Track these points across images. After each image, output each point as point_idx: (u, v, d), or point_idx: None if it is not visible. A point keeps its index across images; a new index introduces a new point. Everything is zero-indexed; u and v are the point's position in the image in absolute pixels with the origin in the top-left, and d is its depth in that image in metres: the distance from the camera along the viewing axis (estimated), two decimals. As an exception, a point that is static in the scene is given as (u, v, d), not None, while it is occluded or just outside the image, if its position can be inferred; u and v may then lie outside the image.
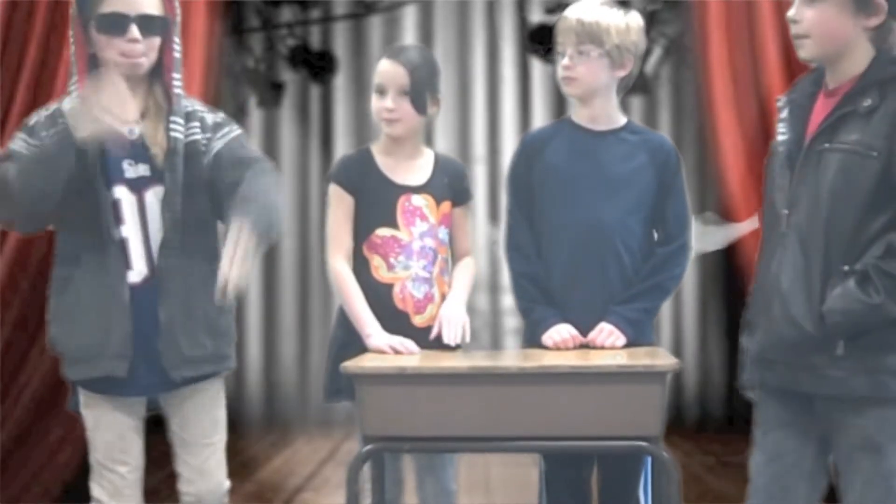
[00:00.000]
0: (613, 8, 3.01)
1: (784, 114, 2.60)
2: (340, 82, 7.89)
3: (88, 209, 2.71)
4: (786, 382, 2.51)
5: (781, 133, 2.57)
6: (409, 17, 7.89)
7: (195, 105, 2.89)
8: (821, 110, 2.54)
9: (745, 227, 4.28)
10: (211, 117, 2.88)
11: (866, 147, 2.41)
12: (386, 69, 3.06)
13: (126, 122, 2.73)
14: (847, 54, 2.50)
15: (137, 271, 2.74)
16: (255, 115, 7.91)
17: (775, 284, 2.50)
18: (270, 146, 7.92)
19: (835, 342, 2.42)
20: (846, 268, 2.41)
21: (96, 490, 2.78)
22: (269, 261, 7.63)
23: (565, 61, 2.97)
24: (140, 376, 2.74)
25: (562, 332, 2.93)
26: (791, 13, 2.54)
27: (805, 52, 2.54)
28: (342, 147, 7.87)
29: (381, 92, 3.05)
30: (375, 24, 7.92)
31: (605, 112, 3.04)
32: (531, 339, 3.01)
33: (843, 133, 2.45)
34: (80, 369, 2.75)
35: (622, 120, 3.06)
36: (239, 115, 7.72)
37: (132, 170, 2.75)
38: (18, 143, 2.74)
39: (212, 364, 2.81)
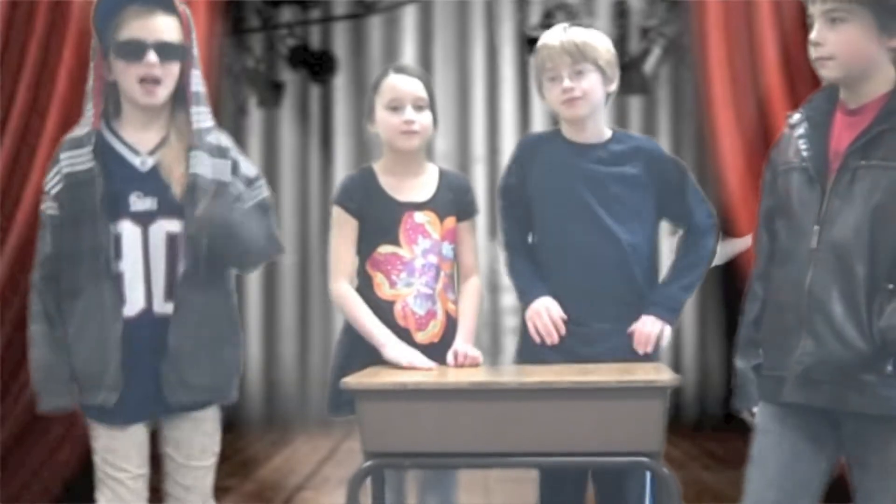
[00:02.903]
0: (584, 27, 3.03)
1: (802, 130, 2.57)
2: (340, 82, 7.91)
3: (89, 243, 2.72)
4: (832, 401, 2.47)
5: (805, 149, 2.55)
6: (409, 17, 7.91)
7: (226, 142, 2.86)
8: (844, 129, 2.52)
9: (746, 242, 4.28)
10: (245, 167, 2.86)
11: None
12: (401, 84, 3.05)
13: (139, 153, 2.76)
14: (870, 75, 2.49)
15: (132, 305, 2.74)
16: (255, 115, 7.92)
17: (815, 302, 2.47)
18: (270, 146, 7.94)
19: (885, 359, 2.41)
20: (891, 286, 2.41)
21: (99, 497, 2.78)
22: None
23: (566, 83, 2.94)
24: (139, 405, 2.75)
25: (544, 309, 2.96)
26: (813, 36, 2.51)
27: (829, 72, 2.51)
28: (342, 147, 7.89)
29: (397, 107, 3.03)
30: (375, 24, 7.93)
31: (597, 129, 3.04)
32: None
33: (881, 151, 2.45)
34: (81, 398, 2.78)
35: (609, 133, 3.06)
36: (239, 115, 7.74)
37: (140, 203, 2.74)
38: (49, 209, 2.81)
39: (209, 393, 2.81)
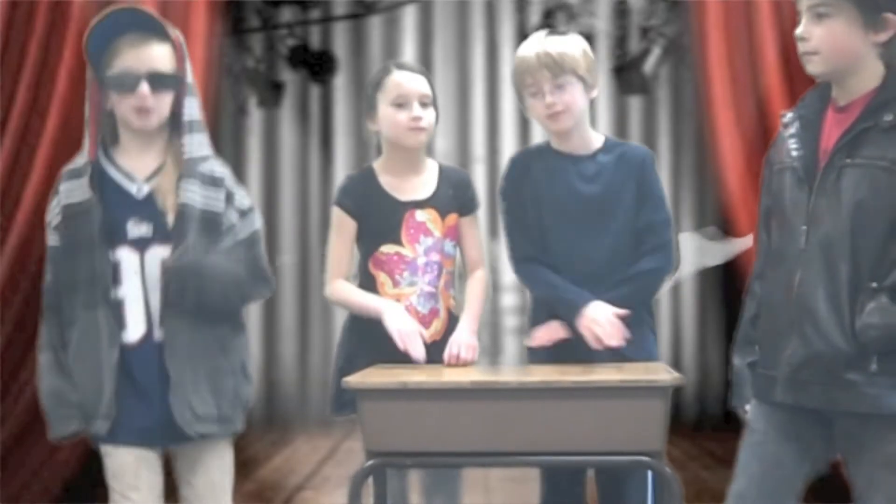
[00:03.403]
0: (559, 35, 2.98)
1: (793, 129, 2.57)
2: (340, 82, 7.90)
3: (88, 270, 2.72)
4: (821, 402, 2.47)
5: (795, 149, 2.55)
6: (409, 17, 7.91)
7: (221, 171, 2.84)
8: (833, 126, 2.52)
9: (746, 241, 4.28)
10: (239, 198, 2.85)
11: (891, 162, 2.41)
12: (407, 80, 3.05)
13: (135, 179, 2.76)
14: (857, 70, 2.49)
15: (133, 331, 2.74)
16: (255, 115, 7.92)
17: (802, 303, 2.47)
18: (270, 146, 7.94)
19: (869, 358, 2.41)
20: (874, 285, 2.40)
21: None
22: (270, 260, 7.64)
23: (549, 99, 2.91)
24: (145, 431, 2.74)
25: (600, 313, 2.88)
26: (799, 31, 2.51)
27: (814, 67, 2.52)
28: (342, 147, 7.89)
29: (403, 104, 3.02)
30: (375, 24, 7.93)
31: (584, 138, 3.01)
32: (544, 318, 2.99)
33: (865, 148, 2.44)
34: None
35: (599, 141, 3.03)
36: (239, 115, 7.75)
37: (136, 229, 2.74)
38: (52, 240, 2.81)
39: (216, 424, 2.81)
